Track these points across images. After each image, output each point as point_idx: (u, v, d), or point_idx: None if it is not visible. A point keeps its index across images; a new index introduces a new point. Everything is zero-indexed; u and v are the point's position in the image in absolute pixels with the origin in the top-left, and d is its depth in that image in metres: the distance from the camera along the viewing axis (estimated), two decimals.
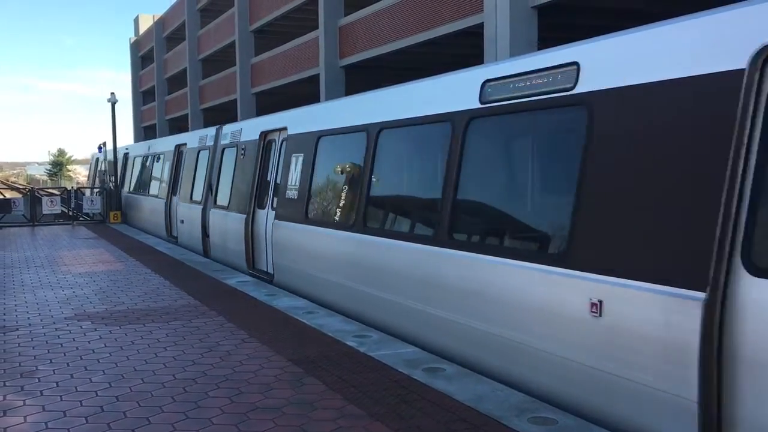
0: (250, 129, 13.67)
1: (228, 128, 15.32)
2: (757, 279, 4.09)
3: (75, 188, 28.72)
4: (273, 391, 5.78)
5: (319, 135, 10.44)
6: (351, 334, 7.59)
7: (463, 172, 6.99)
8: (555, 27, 16.66)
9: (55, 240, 18.92)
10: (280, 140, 12.06)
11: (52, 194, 27.05)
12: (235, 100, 34.17)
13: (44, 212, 24.51)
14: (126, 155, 25.41)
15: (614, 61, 5.35)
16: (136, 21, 59.79)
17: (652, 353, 4.66)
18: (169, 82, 48.72)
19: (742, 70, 4.28)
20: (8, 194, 28.73)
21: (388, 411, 5.25)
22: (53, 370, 6.47)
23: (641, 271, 4.76)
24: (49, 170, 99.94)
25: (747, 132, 4.27)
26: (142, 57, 56.88)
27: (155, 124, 50.66)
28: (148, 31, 53.85)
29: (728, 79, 4.35)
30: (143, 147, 24.11)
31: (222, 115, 36.73)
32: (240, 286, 10.81)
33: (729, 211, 4.25)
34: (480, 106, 6.83)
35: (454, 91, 7.37)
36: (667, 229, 4.62)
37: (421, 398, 5.52)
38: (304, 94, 27.99)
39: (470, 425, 4.94)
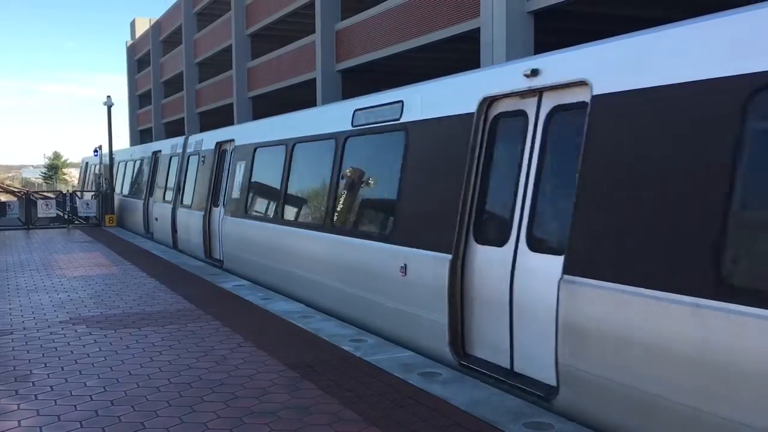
0: (208, 139, 16.04)
1: (192, 138, 17.68)
2: (480, 246, 6.72)
3: (70, 191, 28.66)
4: (268, 396, 5.77)
5: (256, 146, 12.85)
6: (347, 339, 7.59)
7: (341, 179, 9.52)
8: (551, 31, 16.70)
9: (50, 243, 18.87)
10: (231, 150, 14.31)
11: (47, 197, 27.00)
12: (232, 103, 34.16)
13: (39, 215, 24.46)
14: (155, 153, 26.12)
15: (419, 101, 8.01)
16: (133, 24, 59.76)
17: (429, 296, 7.15)
18: (166, 85, 48.69)
19: (472, 113, 6.93)
20: (3, 197, 28.70)
21: (384, 415, 5.25)
22: (48, 374, 6.44)
23: (425, 244, 7.29)
24: (45, 173, 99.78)
25: (478, 153, 6.86)
26: (138, 60, 56.83)
27: (151, 127, 50.61)
28: (145, 35, 53.83)
29: (468, 117, 6.99)
30: (128, 153, 25.84)
31: (218, 118, 36.72)
32: (235, 290, 10.79)
33: (465, 205, 6.86)
34: (352, 128, 9.41)
35: (338, 117, 9.89)
36: (437, 218, 7.19)
37: (417, 403, 5.51)
38: (301, 98, 28.00)
39: (466, 430, 4.94)
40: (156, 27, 50.26)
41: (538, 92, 6.28)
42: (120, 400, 5.69)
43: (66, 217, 25.52)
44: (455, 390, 5.78)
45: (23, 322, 8.70)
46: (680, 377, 4.44)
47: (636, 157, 5.02)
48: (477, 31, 16.97)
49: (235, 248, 13.24)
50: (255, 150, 12.81)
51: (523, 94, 6.40)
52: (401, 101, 8.33)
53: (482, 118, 6.88)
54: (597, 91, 5.46)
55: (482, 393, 5.71)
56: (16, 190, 40.68)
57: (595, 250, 5.20)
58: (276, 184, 11.57)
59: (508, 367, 6.30)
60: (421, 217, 7.50)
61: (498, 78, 6.78)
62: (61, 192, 30.64)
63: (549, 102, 6.18)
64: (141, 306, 9.70)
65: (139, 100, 57.06)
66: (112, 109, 26.76)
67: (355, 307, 8.68)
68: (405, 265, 7.59)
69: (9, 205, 24.19)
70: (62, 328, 8.31)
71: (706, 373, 4.27)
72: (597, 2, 15.13)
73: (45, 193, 32.97)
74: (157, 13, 56.98)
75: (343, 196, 9.46)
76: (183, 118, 42.60)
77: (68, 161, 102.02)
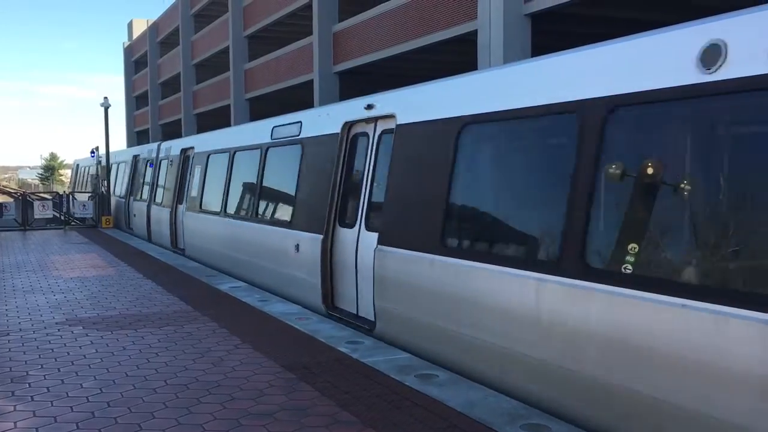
0: (176, 146, 18.50)
1: (164, 144, 20.15)
2: (341, 228, 9.20)
3: (67, 193, 28.63)
4: (265, 397, 5.77)
5: (209, 153, 15.28)
6: (344, 340, 7.59)
7: (264, 181, 12.10)
8: (549, 34, 16.73)
9: (47, 244, 18.84)
10: (192, 156, 16.72)
11: (44, 199, 26.94)
12: (229, 105, 34.16)
13: (36, 217, 24.41)
14: (135, 157, 26.96)
15: (310, 123, 10.57)
16: (130, 26, 59.71)
17: (310, 264, 9.64)
18: (163, 86, 48.66)
19: (338, 132, 9.47)
20: (0, 199, 28.61)
21: (381, 417, 5.25)
22: (44, 376, 6.43)
23: (310, 228, 9.78)
24: (41, 174, 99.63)
25: (341, 162, 9.39)
26: (135, 61, 56.79)
27: (148, 128, 50.57)
28: (142, 36, 53.79)
29: (336, 136, 9.50)
30: (113, 156, 27.76)
31: (216, 120, 36.71)
32: (232, 292, 10.79)
33: (333, 200, 9.36)
34: (270, 141, 11.95)
35: (263, 131, 12.41)
36: (318, 209, 9.60)
37: (414, 404, 5.51)
38: (299, 99, 28.00)
39: None
40: (153, 28, 50.23)
41: (374, 120, 8.86)
42: (116, 402, 5.69)
43: (62, 218, 25.49)
44: (451, 392, 5.78)
45: (20, 323, 8.69)
46: (434, 306, 6.99)
47: (410, 166, 7.72)
48: (474, 33, 17.00)
49: (194, 238, 15.75)
50: (208, 156, 15.30)
51: (368, 120, 8.97)
52: (300, 122, 11.11)
53: (345, 137, 9.45)
54: (399, 122, 8.09)
55: (478, 394, 5.71)
56: (12, 191, 40.58)
57: (392, 227, 7.85)
58: (222, 184, 13.95)
59: (355, 312, 8.86)
60: (308, 209, 10.06)
61: (354, 109, 9.31)
62: (57, 193, 30.61)
63: (379, 127, 8.76)
64: (137, 307, 9.69)
65: (136, 101, 57.00)
66: (110, 110, 26.75)
67: (272, 278, 11.20)
68: (298, 244, 10.16)
69: (5, 206, 24.13)
70: (59, 330, 8.30)
71: (446, 304, 6.79)
72: (594, 5, 15.16)
73: (41, 194, 32.92)
74: (155, 15, 56.93)
75: (264, 194, 12.13)
76: (180, 119, 42.58)
77: (65, 162, 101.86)
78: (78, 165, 37.19)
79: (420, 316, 7.21)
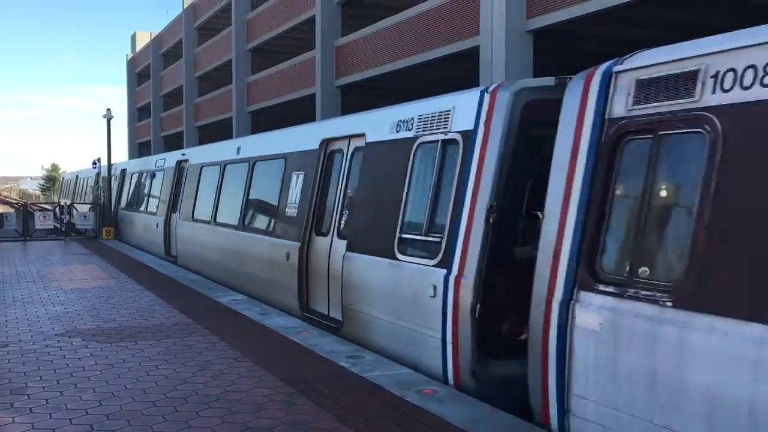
0: (170, 159, 19.47)
1: (151, 158, 23.01)
2: (317, 236, 9.80)
3: (68, 203, 28.65)
4: (265, 411, 5.74)
5: (202, 165, 16.03)
6: (344, 355, 7.56)
7: (222, 190, 14.18)
8: (551, 50, 16.81)
9: (47, 255, 18.83)
10: (186, 167, 17.38)
11: (44, 209, 26.93)
12: (231, 118, 34.26)
13: (37, 227, 24.40)
14: (98, 175, 29.39)
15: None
16: (133, 38, 60.02)
17: (287, 271, 10.28)
18: (165, 99, 48.83)
19: (316, 148, 10.05)
20: (1, 209, 28.59)
21: None
22: (43, 387, 6.41)
23: (289, 236, 10.42)
24: (42, 185, 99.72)
25: (319, 175, 9.97)
26: (138, 74, 57.03)
27: (150, 140, 50.70)
28: (145, 48, 54.05)
29: (315, 151, 10.11)
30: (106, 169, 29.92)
31: (217, 132, 36.80)
32: (232, 305, 10.77)
33: (311, 210, 9.95)
34: (235, 157, 13.85)
35: (228, 149, 14.65)
36: (298, 219, 10.29)
37: (415, 421, 5.49)
38: (301, 113, 28.08)
39: None
40: (156, 41, 50.47)
41: (348, 138, 9.52)
42: (115, 414, 5.66)
43: (63, 229, 25.47)
44: (453, 408, 5.76)
45: (19, 334, 8.67)
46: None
47: (373, 182, 8.58)
48: (477, 49, 17.08)
49: (185, 246, 16.31)
50: (201, 168, 15.95)
51: (342, 138, 9.69)
52: (240, 146, 13.52)
53: (322, 152, 10.04)
54: (368, 140, 8.81)
55: (480, 411, 5.69)
56: (13, 201, 40.59)
57: (355, 236, 8.60)
58: (214, 194, 14.71)
59: (327, 314, 9.35)
60: (289, 219, 10.70)
61: (331, 127, 10.37)
62: (58, 204, 30.64)
63: (352, 145, 9.36)
64: (137, 319, 9.67)
65: (138, 113, 57.19)
66: (112, 122, 26.82)
67: (261, 286, 11.59)
68: (281, 252, 10.64)
69: (6, 217, 24.12)
70: (58, 341, 8.28)
71: (394, 297, 7.65)
72: (595, 23, 15.24)
73: (42, 205, 32.94)
74: (158, 27, 57.13)
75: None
76: (182, 131, 42.70)
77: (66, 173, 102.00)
78: (63, 178, 40.80)
79: (378, 313, 7.97)
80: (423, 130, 7.59)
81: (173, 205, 17.75)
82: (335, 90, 25.15)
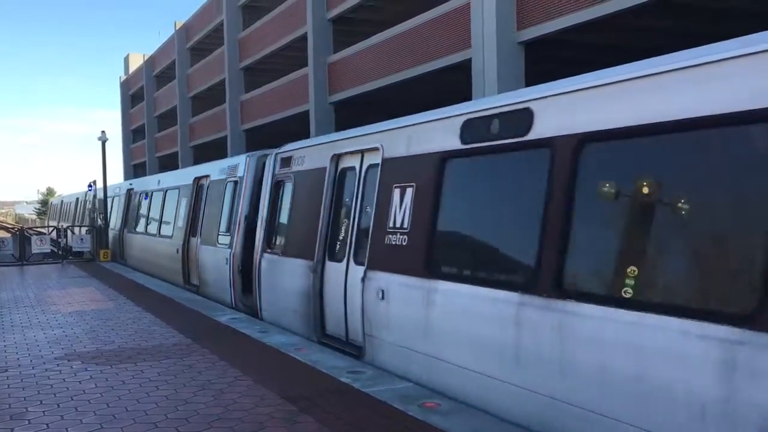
0: (123, 186, 25.37)
1: (124, 184, 26.51)
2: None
3: (65, 227, 28.61)
4: (266, 430, 5.72)
5: (142, 192, 22.01)
6: (345, 370, 7.55)
7: (164, 212, 18.59)
8: (543, 61, 16.89)
9: (45, 279, 18.78)
10: (135, 193, 23.15)
11: (41, 233, 26.90)
12: (226, 136, 34.32)
13: (34, 251, 24.35)
14: (87, 198, 33.41)
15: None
16: (126, 60, 60.21)
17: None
18: (159, 119, 48.93)
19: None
20: None
21: None
22: (43, 412, 6.38)
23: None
24: (38, 209, 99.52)
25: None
26: (132, 95, 57.17)
27: (145, 161, 50.73)
28: (138, 70, 54.20)
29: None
30: (83, 194, 34.04)
31: (212, 152, 36.85)
32: (232, 323, 10.75)
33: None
34: (156, 187, 19.87)
35: (180, 178, 18.33)
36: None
37: None
38: (295, 130, 28.14)
39: None
40: (149, 62, 50.63)
41: (198, 179, 13.50)
42: None
43: (60, 252, 25.42)
44: (455, 421, 5.74)
45: (18, 359, 8.63)
46: (140, 254, 20.47)
47: (209, 205, 14.56)
48: (469, 61, 17.17)
49: (131, 251, 22.50)
50: (141, 194, 22.11)
51: (202, 177, 14.37)
52: (208, 175, 15.66)
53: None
54: (212, 178, 12.74)
55: (482, 423, 5.67)
56: (9, 226, 40.54)
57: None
58: (147, 214, 20.93)
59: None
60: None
61: (200, 169, 14.61)
62: (55, 227, 30.59)
63: (202, 182, 13.88)
64: (137, 341, 9.64)
65: (132, 134, 57.26)
66: (107, 144, 26.87)
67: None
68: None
69: (3, 242, 24.08)
70: (58, 365, 8.25)
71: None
72: (585, 32, 15.34)
73: (39, 229, 32.89)
74: (151, 49, 57.32)
75: (167, 221, 18.37)
76: (177, 152, 42.75)
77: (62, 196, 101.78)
78: (51, 202, 45.26)
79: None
80: (228, 175, 14.29)
81: (128, 223, 23.60)
82: (329, 106, 25.24)
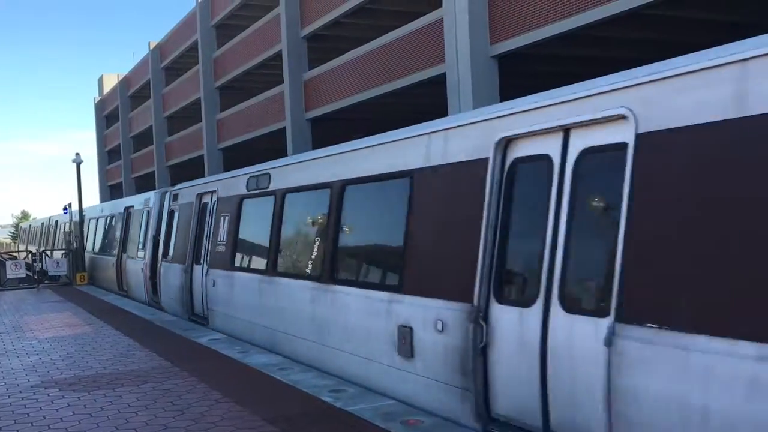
0: (89, 211, 27.71)
1: (88, 209, 28.09)
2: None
3: (40, 251, 28.22)
4: None
5: (90, 218, 26.03)
6: (326, 389, 7.49)
7: (107, 234, 23.33)
8: (516, 74, 17.04)
9: (20, 305, 18.49)
10: (90, 218, 26.38)
11: (16, 258, 26.51)
12: (203, 155, 34.16)
13: (8, 276, 23.99)
14: (50, 222, 36.89)
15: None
16: (100, 81, 59.81)
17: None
18: (135, 140, 48.59)
19: (192, 201, 14.32)
20: None
21: None
22: None
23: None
24: (13, 233, 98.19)
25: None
26: (107, 116, 56.76)
27: (122, 182, 50.32)
28: (113, 91, 53.86)
29: (192, 202, 14.36)
30: (45, 219, 39.31)
31: (190, 170, 36.65)
32: (212, 345, 10.64)
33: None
34: (101, 213, 24.80)
35: (116, 206, 22.73)
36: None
37: None
38: (272, 147, 28.10)
39: None
40: (124, 83, 50.35)
41: (210, 193, 13.59)
42: None
43: (35, 277, 25.08)
44: None
45: None
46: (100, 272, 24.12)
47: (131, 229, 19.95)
48: (443, 76, 17.26)
49: (93, 270, 24.47)
50: (89, 219, 26.21)
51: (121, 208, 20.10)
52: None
53: (124, 212, 17.45)
54: (135, 208, 19.78)
55: None
56: None
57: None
58: (101, 235, 24.15)
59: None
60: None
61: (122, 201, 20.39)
62: (30, 252, 30.18)
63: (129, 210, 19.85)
64: (115, 365, 9.50)
65: (108, 155, 56.80)
66: (82, 165, 26.61)
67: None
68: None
69: None
70: (34, 393, 8.10)
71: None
72: (558, 45, 15.50)
73: (14, 254, 32.43)
74: (125, 69, 57.06)
75: (130, 240, 19.67)
76: (153, 172, 42.46)
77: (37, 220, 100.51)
78: (21, 227, 47.27)
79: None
80: (144, 206, 18.57)
81: (82, 244, 25.88)
82: (306, 123, 25.23)
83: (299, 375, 8.27)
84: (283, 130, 25.97)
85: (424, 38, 18.43)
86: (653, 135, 4.57)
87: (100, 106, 58.48)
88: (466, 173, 6.28)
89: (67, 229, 28.76)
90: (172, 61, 40.29)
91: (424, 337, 6.54)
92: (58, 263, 24.90)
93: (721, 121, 4.19)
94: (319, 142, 21.19)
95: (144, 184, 44.91)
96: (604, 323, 4.69)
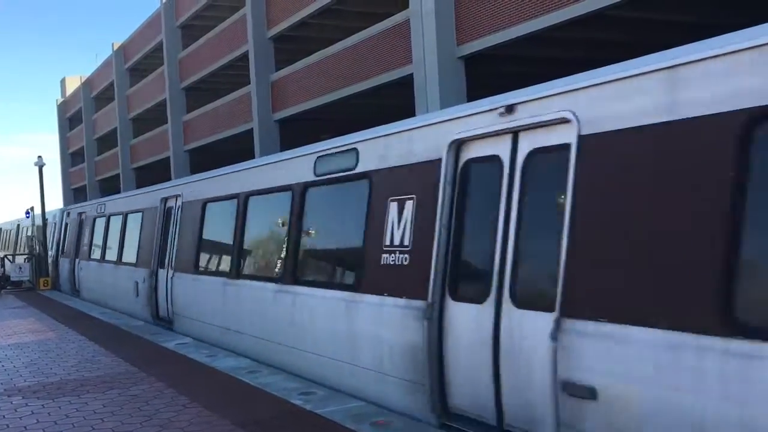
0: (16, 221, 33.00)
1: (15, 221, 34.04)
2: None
3: (1, 256, 27.65)
4: None
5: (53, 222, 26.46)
6: (296, 392, 7.45)
7: (85, 237, 20.66)
8: (482, 75, 17.13)
9: None
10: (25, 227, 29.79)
11: None
12: (169, 157, 33.77)
13: None
14: (13, 227, 37.95)
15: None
16: (63, 82, 58.81)
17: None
18: (99, 142, 47.86)
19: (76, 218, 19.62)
20: None
21: None
22: None
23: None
24: None
25: (88, 229, 20.12)
26: (70, 118, 55.82)
27: (85, 185, 49.52)
28: (76, 92, 53.00)
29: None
30: (10, 223, 39.84)
31: (156, 173, 36.21)
32: (179, 349, 10.51)
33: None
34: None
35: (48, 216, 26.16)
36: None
37: None
38: (240, 148, 27.88)
39: None
40: (87, 84, 49.57)
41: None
42: None
43: None
44: None
45: None
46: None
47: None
48: (411, 77, 17.29)
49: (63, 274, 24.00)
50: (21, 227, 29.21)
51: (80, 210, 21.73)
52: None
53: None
54: (88, 214, 20.73)
55: None
56: None
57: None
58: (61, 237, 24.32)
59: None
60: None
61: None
62: None
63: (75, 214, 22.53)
64: (80, 371, 9.34)
65: (71, 158, 55.86)
66: (45, 168, 26.15)
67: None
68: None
69: None
70: None
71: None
72: (524, 46, 15.63)
73: None
74: (88, 71, 56.19)
75: (95, 244, 19.16)
76: (118, 174, 41.87)
77: None
78: None
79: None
80: (53, 219, 24.92)
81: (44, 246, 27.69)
82: (273, 124, 25.09)
83: (268, 378, 8.21)
84: (250, 132, 25.80)
85: (391, 39, 18.44)
86: (593, 137, 4.81)
87: (62, 108, 57.49)
88: (421, 174, 6.44)
89: (29, 233, 28.21)
90: (136, 62, 39.77)
91: (382, 335, 6.64)
92: (20, 268, 24.42)
93: (653, 124, 4.43)
94: (287, 143, 21.08)
95: (109, 186, 44.26)
96: (551, 318, 4.85)
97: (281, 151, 15.69)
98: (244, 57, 26.19)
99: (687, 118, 4.22)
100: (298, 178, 8.66)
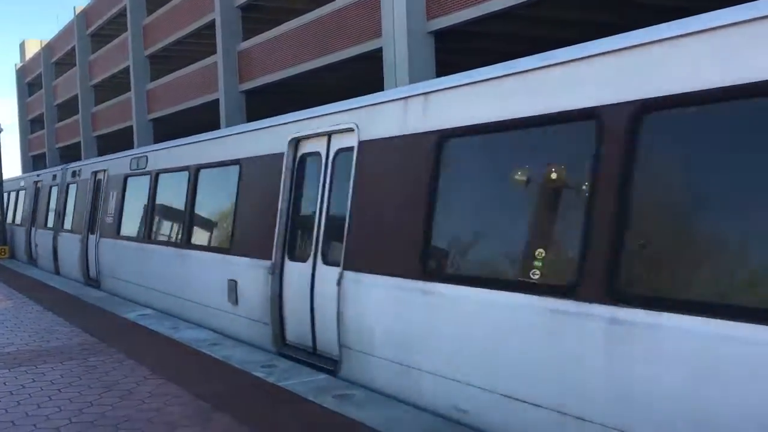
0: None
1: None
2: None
3: None
4: (179, 430, 5.54)
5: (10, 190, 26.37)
6: (259, 365, 7.42)
7: (39, 206, 20.88)
8: (452, 51, 17.08)
9: None
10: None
11: None
12: (131, 126, 33.17)
13: None
14: None
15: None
16: (22, 46, 57.26)
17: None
18: (60, 109, 46.79)
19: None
20: None
21: None
22: None
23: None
24: None
25: (59, 195, 18.87)
26: (29, 83, 54.42)
27: (45, 152, 48.46)
28: (36, 57, 51.65)
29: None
30: None
31: (119, 141, 35.57)
32: (140, 320, 10.39)
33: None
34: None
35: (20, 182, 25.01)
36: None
37: (333, 425, 5.43)
38: (205, 119, 27.48)
39: None
40: (47, 49, 48.30)
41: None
42: None
43: None
44: (370, 411, 5.73)
45: None
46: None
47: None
48: (380, 50, 17.16)
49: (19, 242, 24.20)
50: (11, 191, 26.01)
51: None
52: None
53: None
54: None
55: (396, 412, 5.69)
56: None
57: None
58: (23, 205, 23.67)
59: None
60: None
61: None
62: None
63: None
64: (37, 342, 9.18)
65: (30, 124, 54.56)
66: (3, 135, 25.48)
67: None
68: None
69: None
70: None
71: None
72: (494, 23, 15.59)
73: None
74: (49, 35, 54.72)
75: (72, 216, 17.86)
76: (79, 142, 41.03)
77: None
78: None
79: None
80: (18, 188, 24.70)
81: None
82: (239, 95, 24.75)
83: (230, 350, 8.16)
84: (216, 102, 25.43)
85: (360, 12, 18.25)
86: (365, 142, 6.80)
87: (21, 73, 56.00)
88: (270, 163, 8.45)
89: None
90: (99, 28, 38.82)
91: (244, 287, 8.67)
92: None
93: (394, 135, 6.39)
94: (254, 115, 20.82)
95: (69, 153, 43.37)
96: (338, 270, 6.85)
97: (247, 122, 15.47)
98: (211, 25, 25.73)
99: (410, 134, 6.14)
100: (192, 160, 10.68)
